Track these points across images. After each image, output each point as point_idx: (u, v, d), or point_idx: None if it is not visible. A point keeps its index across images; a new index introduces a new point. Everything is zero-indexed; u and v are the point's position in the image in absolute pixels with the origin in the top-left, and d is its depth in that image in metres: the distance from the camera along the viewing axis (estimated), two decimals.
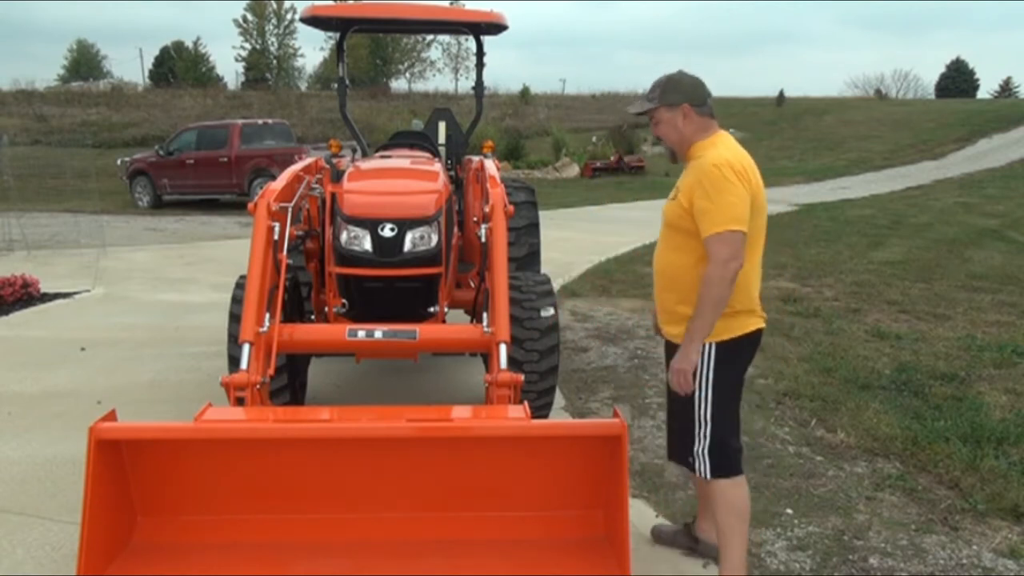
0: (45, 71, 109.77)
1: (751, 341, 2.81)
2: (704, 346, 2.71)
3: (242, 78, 51.60)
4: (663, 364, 3.17)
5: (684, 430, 2.84)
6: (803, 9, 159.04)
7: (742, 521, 2.81)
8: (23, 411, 4.76)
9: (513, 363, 3.61)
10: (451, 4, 24.09)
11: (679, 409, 2.86)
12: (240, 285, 4.00)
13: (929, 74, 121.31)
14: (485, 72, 6.18)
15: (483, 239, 3.98)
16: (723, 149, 2.71)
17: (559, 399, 4.74)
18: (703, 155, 2.71)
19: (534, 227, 5.65)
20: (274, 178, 4.14)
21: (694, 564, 3.15)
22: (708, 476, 2.79)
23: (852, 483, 3.84)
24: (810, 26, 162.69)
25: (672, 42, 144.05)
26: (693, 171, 2.72)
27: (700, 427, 2.77)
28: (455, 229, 4.67)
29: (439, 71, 66.43)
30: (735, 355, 2.78)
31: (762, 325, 2.84)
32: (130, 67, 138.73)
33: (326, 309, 4.25)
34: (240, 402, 3.14)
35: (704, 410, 2.75)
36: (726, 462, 2.79)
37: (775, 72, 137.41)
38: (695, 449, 2.79)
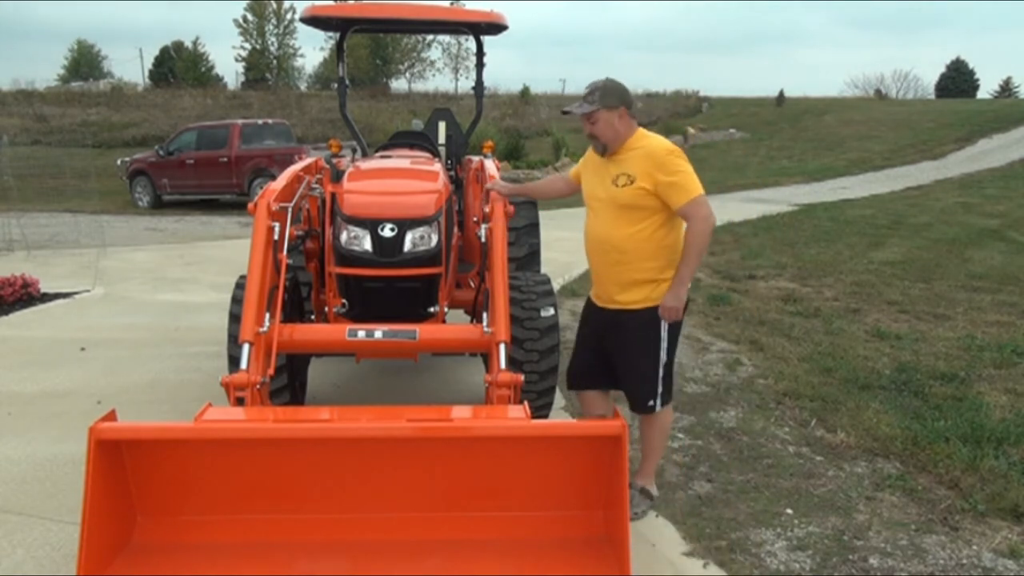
0: (45, 71, 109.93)
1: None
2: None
3: (242, 78, 51.46)
4: None
5: (646, 377, 3.38)
6: (802, 9, 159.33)
7: (667, 438, 3.73)
8: (23, 411, 4.77)
9: (513, 363, 3.61)
10: (451, 4, 24.07)
11: (642, 362, 3.38)
12: (240, 285, 4.00)
13: (929, 74, 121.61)
14: (485, 72, 6.19)
15: (483, 239, 3.98)
16: (655, 139, 3.32)
17: (559, 399, 4.74)
18: (641, 145, 3.28)
19: (534, 227, 5.65)
20: (274, 178, 4.14)
21: (694, 564, 3.15)
22: (665, 404, 3.44)
23: (852, 483, 3.84)
24: (809, 26, 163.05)
25: (672, 42, 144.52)
26: (642, 159, 3.24)
27: (663, 367, 3.38)
28: (455, 229, 4.67)
29: (439, 71, 66.41)
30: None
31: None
32: (130, 67, 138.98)
33: (326, 309, 4.25)
34: (240, 402, 3.15)
35: (669, 355, 3.39)
36: (670, 393, 3.48)
37: (775, 72, 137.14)
38: (659, 390, 3.38)
